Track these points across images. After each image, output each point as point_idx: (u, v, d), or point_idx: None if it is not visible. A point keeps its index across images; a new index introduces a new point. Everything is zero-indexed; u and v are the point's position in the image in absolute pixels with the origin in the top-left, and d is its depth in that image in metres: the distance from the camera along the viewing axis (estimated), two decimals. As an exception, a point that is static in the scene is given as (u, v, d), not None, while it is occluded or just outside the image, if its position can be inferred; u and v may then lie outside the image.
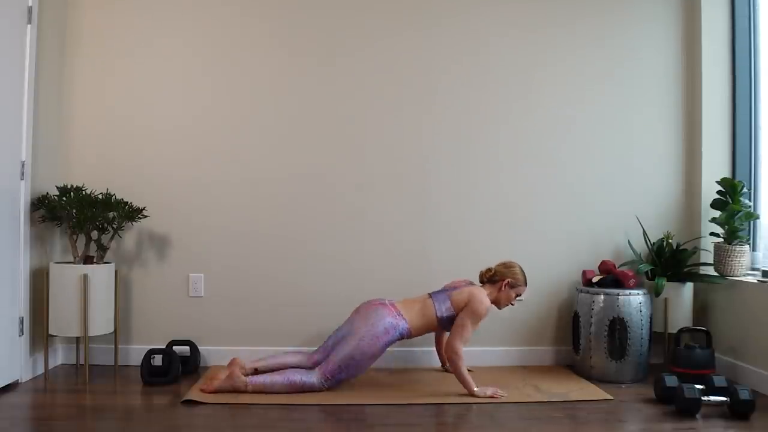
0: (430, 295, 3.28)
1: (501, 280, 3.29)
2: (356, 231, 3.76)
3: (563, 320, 3.83)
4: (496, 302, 3.30)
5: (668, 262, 3.66)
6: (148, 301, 3.70)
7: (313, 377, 3.13)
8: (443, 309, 3.20)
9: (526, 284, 3.34)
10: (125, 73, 3.70)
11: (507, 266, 3.32)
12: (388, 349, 3.20)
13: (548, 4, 3.84)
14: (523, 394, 3.15)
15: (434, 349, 3.63)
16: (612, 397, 3.13)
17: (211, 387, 3.11)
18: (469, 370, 3.21)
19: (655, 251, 3.71)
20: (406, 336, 3.19)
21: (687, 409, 2.84)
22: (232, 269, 3.72)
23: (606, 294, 3.47)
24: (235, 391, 3.09)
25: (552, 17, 3.84)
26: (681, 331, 3.46)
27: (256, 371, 3.21)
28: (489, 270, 3.33)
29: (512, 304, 3.36)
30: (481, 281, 3.35)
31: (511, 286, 3.29)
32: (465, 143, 3.80)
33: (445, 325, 3.23)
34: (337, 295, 3.73)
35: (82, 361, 3.55)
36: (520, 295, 3.33)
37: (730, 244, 3.51)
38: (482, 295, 3.20)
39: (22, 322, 3.27)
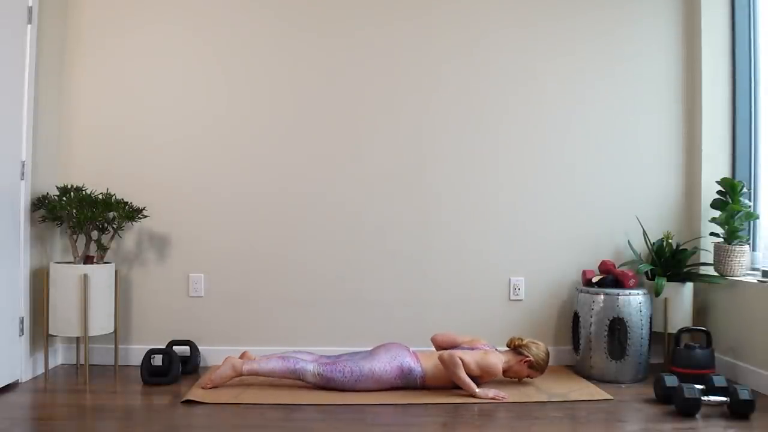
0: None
1: (525, 355, 3.27)
2: (357, 231, 3.75)
3: (563, 320, 3.83)
4: (507, 369, 3.28)
5: (668, 262, 3.66)
6: (148, 301, 3.70)
7: (309, 365, 3.15)
8: None
9: (541, 373, 3.32)
10: (125, 72, 3.70)
11: (538, 347, 3.30)
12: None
13: (548, 3, 3.83)
14: (523, 394, 3.15)
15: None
16: (612, 397, 3.13)
17: (209, 381, 3.16)
18: None
19: (655, 251, 3.71)
20: (419, 380, 3.19)
21: (687, 409, 2.84)
22: (232, 269, 3.72)
23: (606, 294, 3.47)
24: (233, 372, 3.14)
25: (552, 16, 3.83)
26: (681, 331, 3.45)
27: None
28: (521, 340, 3.32)
29: (517, 380, 3.36)
30: (508, 346, 3.35)
31: (530, 366, 3.27)
32: (464, 145, 3.79)
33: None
34: (338, 295, 3.73)
35: (82, 361, 3.55)
36: (531, 377, 3.32)
37: (730, 244, 3.50)
38: (497, 359, 3.21)
39: (22, 322, 3.27)
